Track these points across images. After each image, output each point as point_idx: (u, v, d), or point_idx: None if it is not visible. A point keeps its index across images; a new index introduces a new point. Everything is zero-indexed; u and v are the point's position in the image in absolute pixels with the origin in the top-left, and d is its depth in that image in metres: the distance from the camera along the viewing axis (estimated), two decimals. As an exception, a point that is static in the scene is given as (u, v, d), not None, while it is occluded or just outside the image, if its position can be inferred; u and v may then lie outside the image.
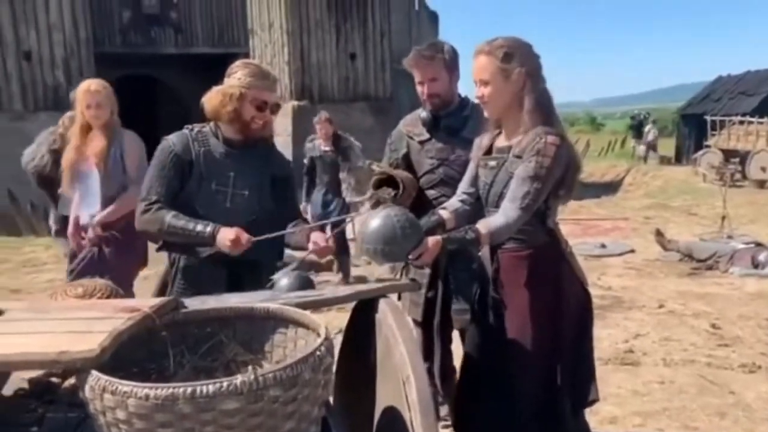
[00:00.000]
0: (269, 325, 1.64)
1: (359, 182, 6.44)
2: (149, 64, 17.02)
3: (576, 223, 9.97)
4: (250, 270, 2.32)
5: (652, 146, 21.52)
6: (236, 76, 2.36)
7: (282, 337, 1.64)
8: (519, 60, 2.16)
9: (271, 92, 2.40)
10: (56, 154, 3.72)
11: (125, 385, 1.22)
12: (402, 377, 1.51)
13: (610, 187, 16.42)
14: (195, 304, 1.78)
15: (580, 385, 2.26)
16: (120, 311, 1.52)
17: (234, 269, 2.34)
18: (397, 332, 1.59)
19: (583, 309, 2.28)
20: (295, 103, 14.64)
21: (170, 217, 2.28)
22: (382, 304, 1.73)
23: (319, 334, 1.48)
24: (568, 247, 2.29)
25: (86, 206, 3.45)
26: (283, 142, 14.82)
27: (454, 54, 2.72)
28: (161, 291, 2.55)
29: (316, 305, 1.74)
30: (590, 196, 13.65)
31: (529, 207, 2.12)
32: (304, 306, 1.67)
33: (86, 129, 3.47)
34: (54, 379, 1.85)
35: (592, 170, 19.94)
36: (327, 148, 6.51)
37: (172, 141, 2.40)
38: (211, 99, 2.36)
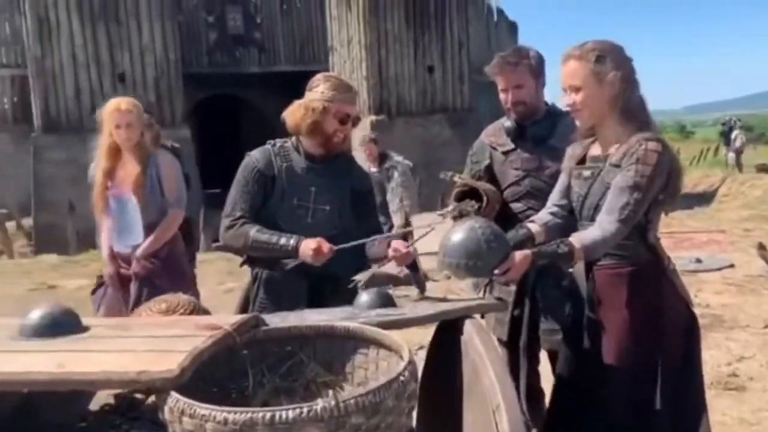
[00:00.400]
0: (350, 344, 1.58)
1: (408, 198, 6.26)
2: (233, 84, 17.61)
3: (668, 236, 9.47)
4: (331, 283, 2.29)
5: (739, 152, 20.43)
6: (318, 90, 2.34)
7: (363, 358, 1.57)
8: (612, 63, 2.02)
9: (352, 105, 2.39)
10: None
11: (204, 408, 1.18)
12: (492, 405, 1.41)
13: (703, 198, 15.58)
14: (275, 321, 1.74)
15: (685, 415, 2.07)
16: (201, 329, 1.49)
17: (315, 283, 2.33)
18: (485, 356, 1.49)
19: (688, 332, 2.10)
20: (374, 117, 14.74)
21: (254, 232, 2.30)
22: (468, 325, 1.63)
23: (402, 357, 1.40)
24: (670, 263, 2.12)
25: (126, 235, 3.24)
26: (360, 156, 14.97)
27: (540, 59, 2.59)
28: (244, 305, 2.55)
29: (397, 325, 1.66)
30: (682, 207, 12.93)
31: (629, 219, 1.98)
32: (385, 326, 1.60)
33: (115, 151, 3.24)
34: (138, 396, 1.85)
35: (683, 181, 19.02)
36: (374, 169, 6.40)
37: (255, 157, 2.41)
38: (293, 112, 2.35)
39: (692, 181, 18.64)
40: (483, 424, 1.47)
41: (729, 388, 3.92)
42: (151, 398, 1.82)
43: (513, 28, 22.31)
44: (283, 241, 2.27)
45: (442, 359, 1.77)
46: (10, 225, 13.98)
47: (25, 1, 13.26)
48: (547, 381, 2.77)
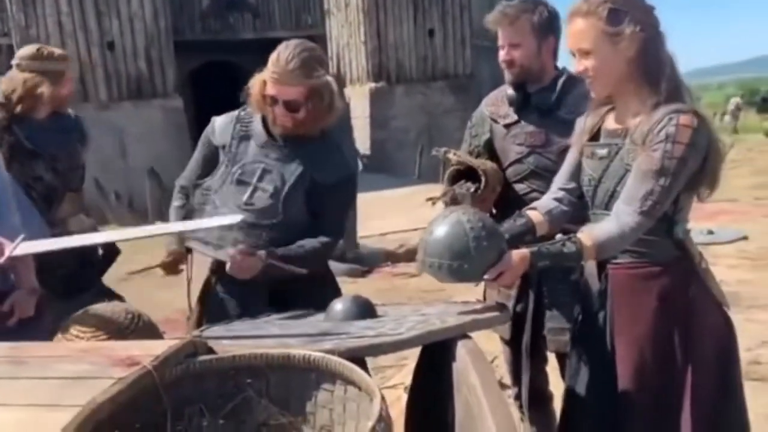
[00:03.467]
0: (311, 378, 1.25)
1: None
2: (228, 50, 17.15)
3: (676, 206, 9.16)
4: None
5: (735, 116, 20.83)
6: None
7: (327, 396, 1.24)
8: (630, 18, 1.63)
9: (284, 87, 1.98)
10: None
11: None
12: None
13: (711, 164, 15.22)
14: (220, 331, 1.40)
15: None
16: (114, 364, 1.15)
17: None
18: (482, 396, 1.15)
19: (724, 345, 1.75)
20: (372, 84, 14.32)
21: (172, 209, 2.24)
22: (461, 349, 1.29)
23: (372, 400, 1.07)
24: (702, 261, 1.76)
25: None
26: (360, 125, 14.55)
27: (551, 16, 2.20)
28: (202, 299, 2.24)
29: (373, 351, 1.32)
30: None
31: (653, 211, 1.62)
32: (357, 352, 1.27)
33: None
34: None
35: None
36: None
37: (214, 121, 2.21)
38: (252, 85, 2.00)
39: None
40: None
41: (751, 378, 3.60)
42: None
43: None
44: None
45: (429, 391, 1.44)
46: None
47: (8, -34, 12.78)
48: (555, 385, 2.47)
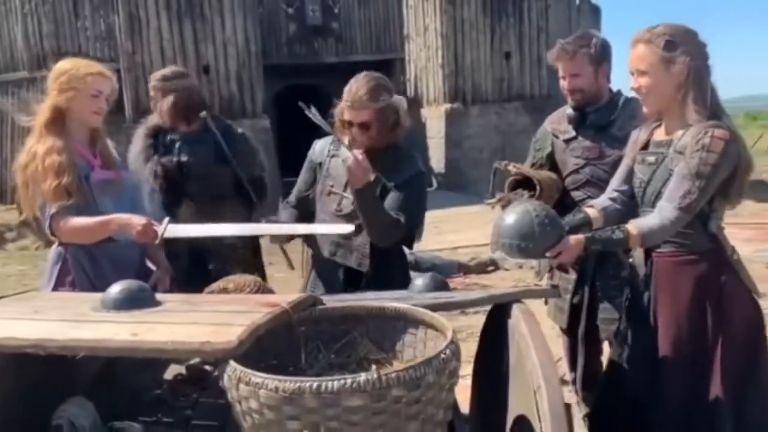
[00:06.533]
0: (400, 324, 1.65)
1: None
2: (311, 73, 17.91)
3: (757, 228, 9.02)
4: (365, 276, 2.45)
5: None
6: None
7: (412, 338, 1.64)
8: (683, 49, 1.98)
9: (355, 111, 2.38)
10: None
11: (257, 377, 1.29)
12: (533, 386, 1.45)
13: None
14: (331, 301, 1.84)
15: (750, 412, 2.02)
16: (261, 306, 1.60)
17: (350, 272, 2.48)
18: (529, 340, 1.53)
19: (753, 324, 2.04)
20: (448, 105, 14.68)
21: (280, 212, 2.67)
22: (515, 309, 1.67)
23: (446, 337, 1.47)
24: (734, 254, 2.07)
25: None
26: (436, 144, 14.93)
27: (603, 47, 2.56)
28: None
29: (446, 307, 1.72)
30: (772, 198, 12.27)
31: (690, 208, 1.94)
32: (434, 308, 1.66)
33: None
34: (207, 367, 2.00)
35: (777, 168, 17.92)
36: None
37: (315, 144, 2.64)
38: (336, 113, 2.47)
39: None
40: (526, 405, 1.51)
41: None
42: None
43: (596, 11, 21.55)
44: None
45: (492, 343, 1.82)
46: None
47: (118, -1, 13.98)
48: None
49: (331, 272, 2.52)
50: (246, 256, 3.11)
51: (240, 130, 3.25)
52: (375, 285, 2.24)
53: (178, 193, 3.07)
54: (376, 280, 2.34)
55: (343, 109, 2.43)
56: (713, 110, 2.00)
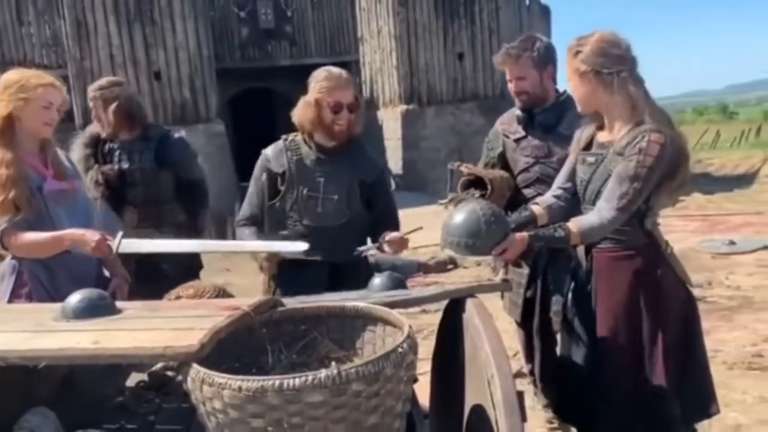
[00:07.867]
0: (359, 323, 1.70)
1: None
2: (266, 77, 17.84)
3: (703, 219, 9.37)
4: (350, 270, 2.44)
5: None
6: (312, 85, 2.47)
7: (371, 335, 1.69)
8: (610, 59, 2.07)
9: (344, 91, 2.45)
10: None
11: (221, 377, 1.32)
12: (487, 376, 1.52)
13: (743, 180, 15.25)
14: (292, 302, 1.88)
15: (692, 392, 2.14)
16: (222, 310, 1.63)
17: (334, 270, 2.47)
18: (482, 332, 1.60)
19: (687, 312, 2.16)
20: (404, 107, 14.80)
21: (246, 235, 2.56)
22: (469, 303, 1.74)
23: (403, 332, 1.52)
24: (668, 248, 2.19)
25: None
26: (393, 146, 15.05)
27: (547, 50, 2.67)
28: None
29: (403, 304, 1.78)
30: (721, 190, 12.74)
31: (626, 208, 2.05)
32: (392, 305, 1.72)
33: None
34: (169, 373, 2.02)
35: (723, 162, 18.61)
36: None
37: (266, 155, 2.57)
38: (297, 111, 2.49)
39: (732, 162, 18.24)
40: (482, 394, 1.58)
41: (753, 368, 3.94)
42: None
43: (545, 12, 22.01)
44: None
45: (449, 338, 1.89)
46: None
47: (64, 4, 13.67)
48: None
49: (312, 274, 2.48)
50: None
51: (177, 135, 3.31)
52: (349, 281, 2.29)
53: (119, 200, 3.15)
54: (351, 276, 2.38)
55: (316, 102, 2.43)
56: (649, 112, 2.07)
